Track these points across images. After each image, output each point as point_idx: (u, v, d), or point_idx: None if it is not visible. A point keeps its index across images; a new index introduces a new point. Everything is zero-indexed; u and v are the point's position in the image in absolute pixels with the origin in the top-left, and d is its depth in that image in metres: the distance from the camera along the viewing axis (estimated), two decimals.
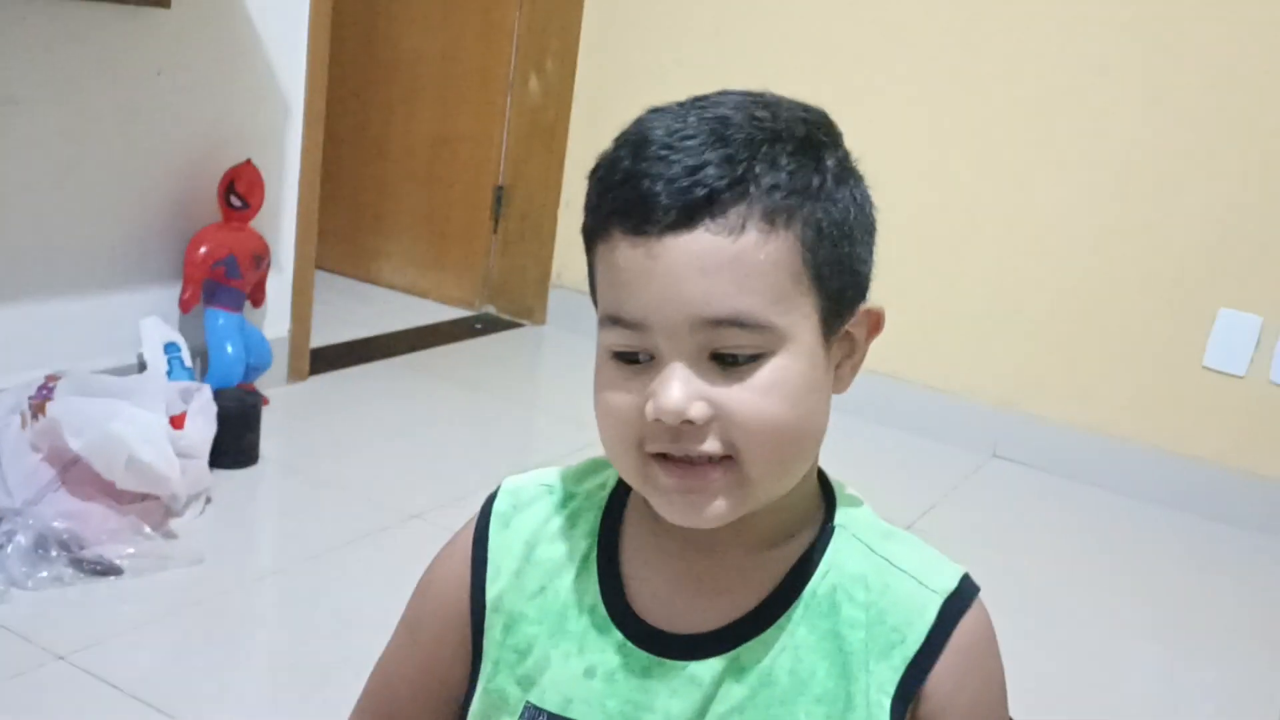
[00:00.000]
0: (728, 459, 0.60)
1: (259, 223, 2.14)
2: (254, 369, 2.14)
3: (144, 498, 1.66)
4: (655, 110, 0.62)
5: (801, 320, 0.60)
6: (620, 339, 0.61)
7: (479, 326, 3.02)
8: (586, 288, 0.66)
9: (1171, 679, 1.74)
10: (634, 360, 0.61)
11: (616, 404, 0.62)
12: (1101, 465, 2.40)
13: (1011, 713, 0.69)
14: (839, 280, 0.62)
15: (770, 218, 0.58)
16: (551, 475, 0.73)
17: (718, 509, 0.61)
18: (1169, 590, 2.02)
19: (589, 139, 2.91)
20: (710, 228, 0.58)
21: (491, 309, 3.13)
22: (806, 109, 0.63)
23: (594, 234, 0.62)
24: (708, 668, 0.64)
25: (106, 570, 1.55)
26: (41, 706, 1.32)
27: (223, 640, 1.52)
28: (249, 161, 2.08)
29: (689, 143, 0.58)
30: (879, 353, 0.66)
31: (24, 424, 1.65)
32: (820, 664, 0.64)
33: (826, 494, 0.69)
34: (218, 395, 1.88)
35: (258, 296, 2.19)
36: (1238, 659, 1.81)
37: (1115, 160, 2.34)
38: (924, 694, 0.64)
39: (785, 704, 0.64)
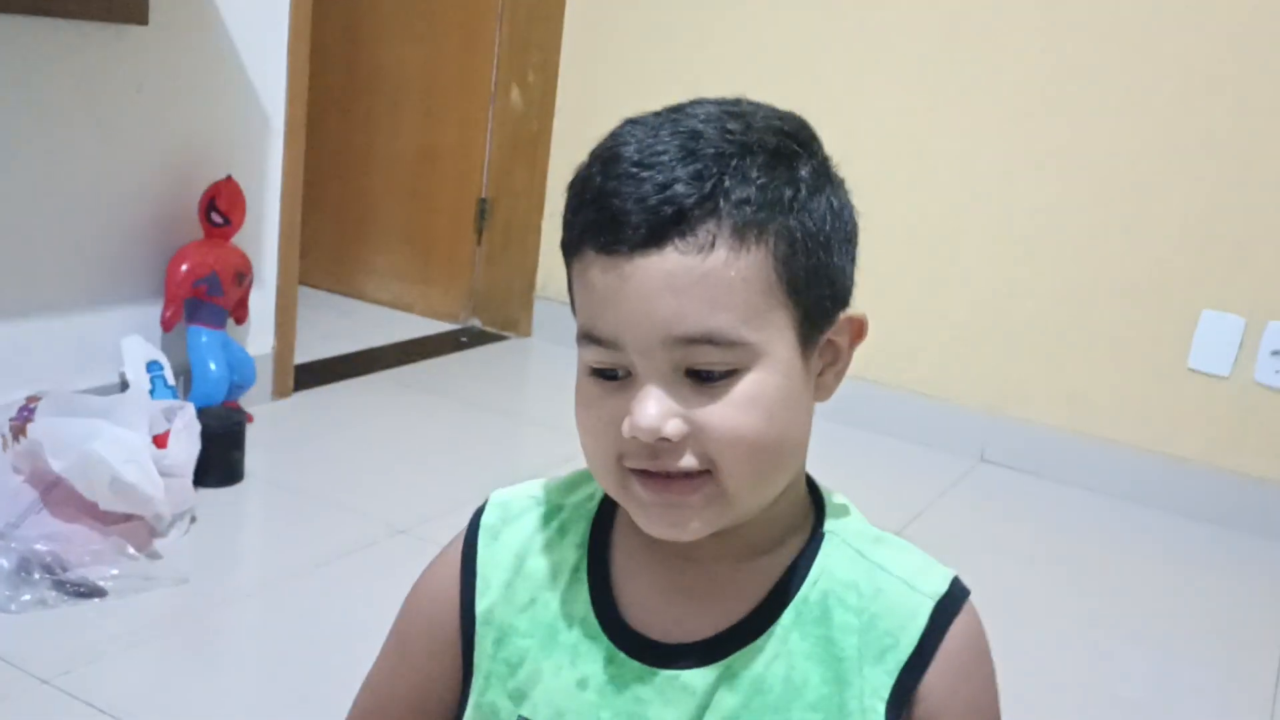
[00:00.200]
0: (706, 473, 0.60)
1: (241, 239, 2.13)
2: (238, 386, 2.13)
3: (128, 518, 1.64)
4: (630, 121, 0.62)
5: (776, 334, 0.60)
6: (596, 356, 0.61)
7: (464, 339, 3.01)
8: (568, 293, 0.66)
9: (1161, 680, 1.74)
10: (612, 376, 0.61)
11: (595, 420, 0.62)
12: (1088, 467, 2.41)
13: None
14: (816, 291, 0.61)
15: (740, 233, 0.58)
16: (540, 487, 0.73)
17: (697, 523, 0.62)
18: (1157, 591, 2.03)
19: (572, 150, 2.90)
20: (679, 246, 0.57)
21: (476, 322, 3.13)
22: (782, 116, 0.63)
23: (569, 250, 0.62)
24: (700, 676, 0.64)
25: (90, 592, 1.53)
26: None
27: (209, 660, 1.50)
28: (230, 178, 2.08)
29: (660, 158, 0.58)
30: (864, 359, 0.66)
31: (5, 446, 1.63)
32: (814, 671, 0.64)
33: (816, 501, 0.69)
34: (201, 413, 1.86)
35: (240, 313, 2.18)
36: (1228, 659, 1.81)
37: (1096, 164, 2.35)
38: (918, 698, 0.64)
39: (779, 712, 0.63)
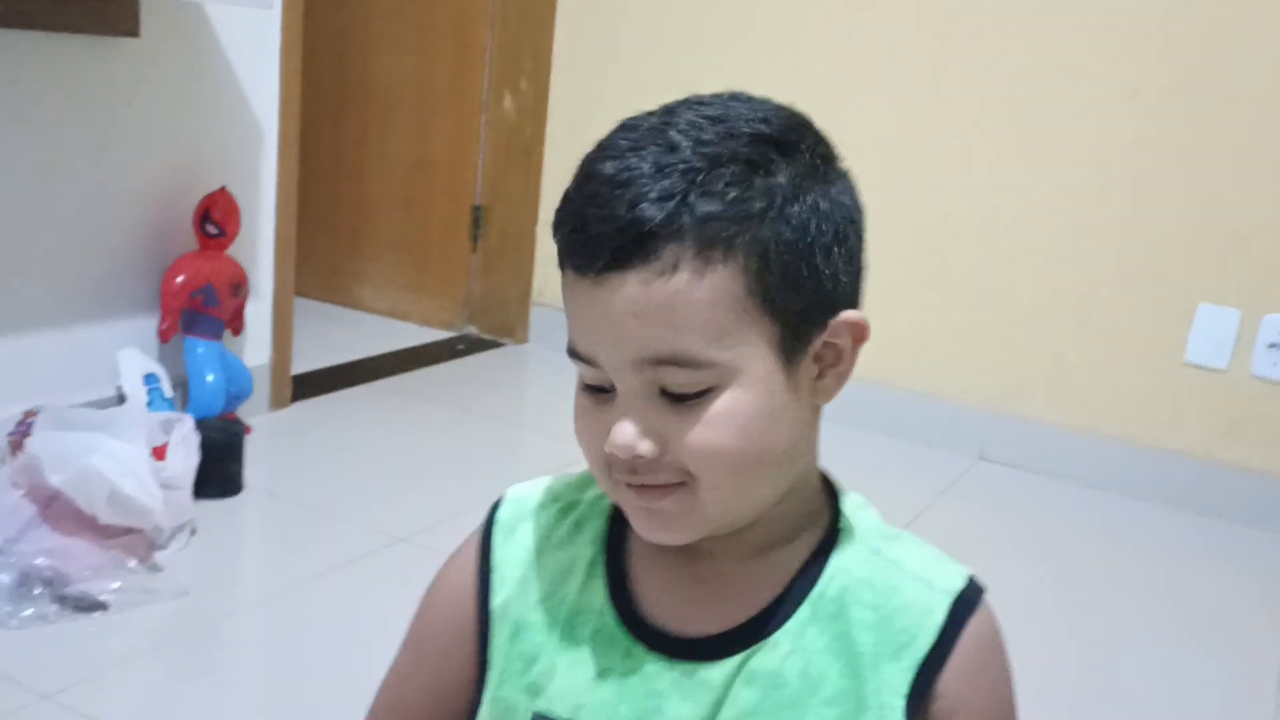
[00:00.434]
0: (684, 484, 0.62)
1: (236, 250, 2.13)
2: (235, 398, 2.12)
3: (127, 531, 1.64)
4: (622, 127, 0.62)
5: (750, 350, 0.59)
6: (582, 370, 0.63)
7: (461, 347, 3.01)
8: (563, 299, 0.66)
9: (1164, 675, 1.74)
10: (601, 389, 0.62)
11: (586, 430, 0.64)
12: (1088, 464, 2.41)
13: None
14: (797, 301, 0.60)
15: (705, 253, 0.57)
16: (556, 483, 0.73)
17: (681, 530, 0.63)
18: (1158, 586, 2.03)
19: (566, 156, 2.90)
20: (644, 269, 0.57)
21: (473, 329, 3.12)
22: (768, 117, 0.61)
23: (558, 264, 0.63)
24: (718, 670, 0.64)
25: (91, 606, 1.53)
26: None
27: (212, 672, 1.50)
28: (224, 189, 2.07)
29: (633, 173, 0.58)
30: (862, 358, 0.65)
31: (2, 460, 1.63)
32: (831, 666, 0.64)
33: (832, 498, 0.69)
34: (200, 425, 1.86)
35: (237, 324, 2.18)
36: (1233, 652, 1.81)
37: (1090, 160, 2.35)
38: (935, 694, 0.64)
39: (796, 706, 0.63)
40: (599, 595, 0.68)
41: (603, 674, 0.66)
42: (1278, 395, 2.26)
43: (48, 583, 1.52)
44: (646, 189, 0.57)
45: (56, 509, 1.58)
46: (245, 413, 2.19)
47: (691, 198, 0.57)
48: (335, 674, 1.47)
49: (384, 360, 2.82)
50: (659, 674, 0.65)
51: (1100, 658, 1.73)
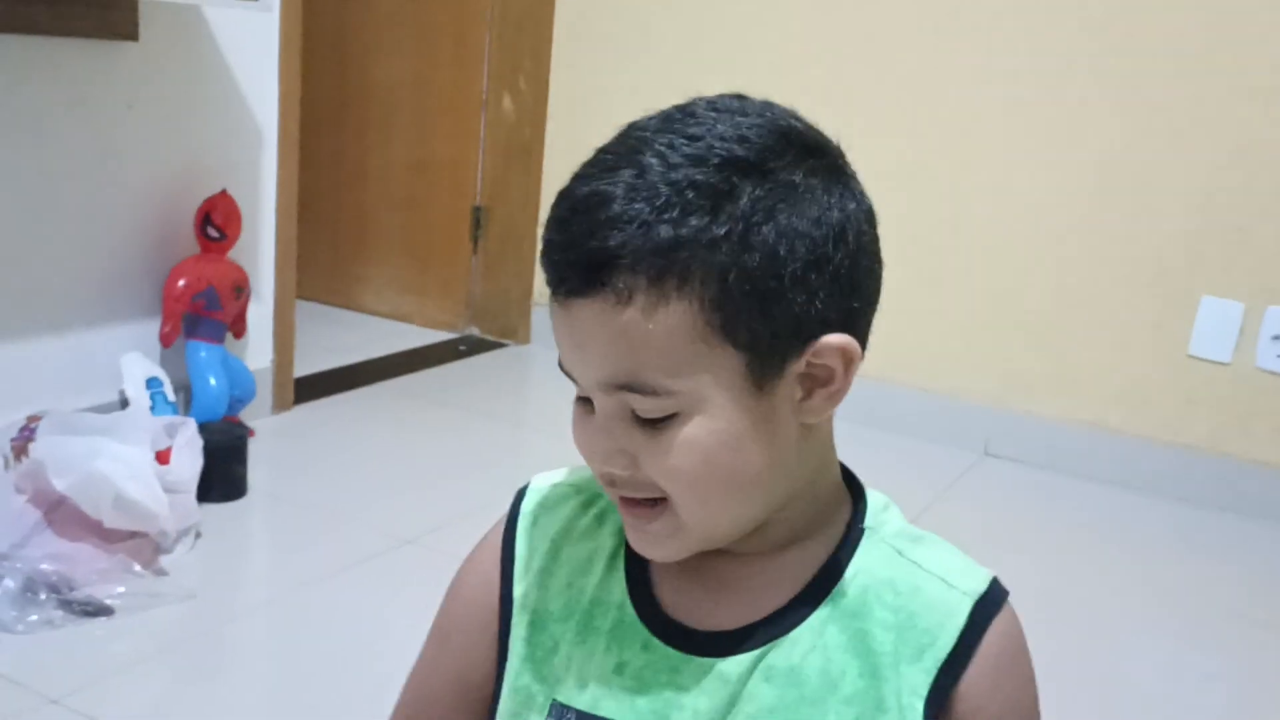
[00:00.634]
0: (665, 500, 0.62)
1: (237, 253, 2.12)
2: (238, 401, 2.12)
3: (132, 535, 1.63)
4: (614, 140, 0.61)
5: (713, 379, 0.59)
6: (572, 383, 0.64)
7: (463, 348, 3.01)
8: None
9: (1174, 667, 1.73)
10: (589, 400, 0.63)
11: (579, 439, 0.65)
12: (1093, 458, 2.41)
13: None
14: (765, 329, 0.58)
15: (660, 284, 0.57)
16: (579, 475, 0.73)
17: (666, 548, 0.65)
18: (1166, 580, 2.02)
19: (566, 156, 2.90)
20: (600, 297, 0.58)
21: (475, 330, 3.12)
22: (746, 136, 0.59)
23: None
24: (736, 664, 0.64)
25: (97, 611, 1.53)
26: None
27: (218, 675, 1.50)
28: (224, 192, 2.07)
29: (597, 199, 0.58)
30: (865, 356, 0.63)
31: (7, 466, 1.63)
32: (850, 664, 0.63)
33: (857, 497, 0.69)
34: (203, 428, 1.86)
35: (239, 327, 2.17)
36: (1240, 645, 1.81)
37: (1092, 155, 2.35)
38: (956, 697, 0.63)
39: (815, 704, 0.63)
40: (619, 588, 0.68)
41: (621, 666, 0.66)
42: None
43: (53, 587, 1.52)
44: (607, 216, 0.57)
45: (61, 514, 1.58)
46: (248, 416, 2.19)
47: (649, 226, 0.56)
48: (342, 676, 1.47)
49: (386, 362, 2.81)
50: (677, 667, 0.65)
51: (1107, 652, 1.73)
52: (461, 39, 2.99)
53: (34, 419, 1.69)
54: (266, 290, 2.28)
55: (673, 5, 2.72)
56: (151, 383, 1.97)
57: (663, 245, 0.56)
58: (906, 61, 2.48)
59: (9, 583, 1.50)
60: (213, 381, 2.04)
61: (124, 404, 1.96)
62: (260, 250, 2.25)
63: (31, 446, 1.61)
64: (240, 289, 2.11)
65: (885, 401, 2.50)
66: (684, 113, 0.61)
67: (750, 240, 0.57)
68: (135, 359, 1.99)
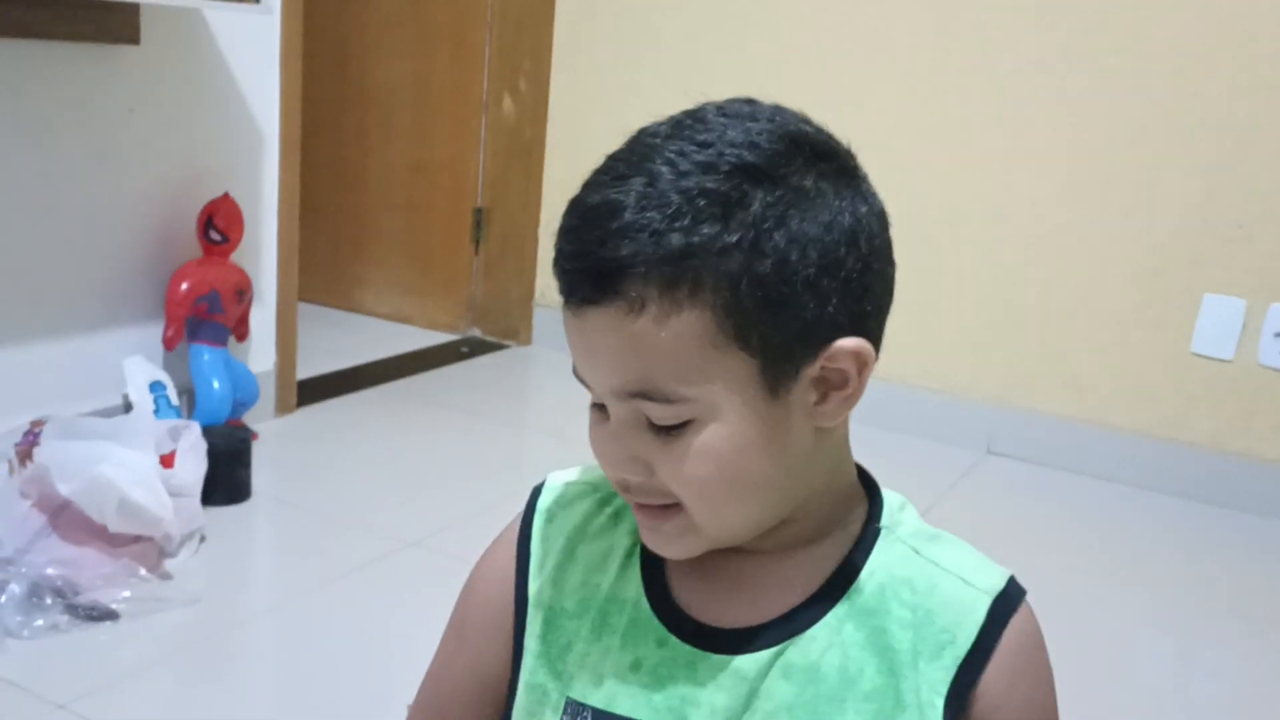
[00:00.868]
0: (678, 505, 0.63)
1: (239, 256, 2.12)
2: (241, 404, 2.12)
3: (137, 539, 1.63)
4: (623, 148, 0.61)
5: (725, 386, 0.59)
6: (586, 390, 0.64)
7: (465, 350, 3.01)
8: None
9: (1180, 665, 1.73)
10: (603, 406, 0.63)
11: (595, 445, 0.65)
12: (1096, 456, 2.41)
13: None
14: (777, 335, 0.59)
15: (672, 292, 0.57)
16: (594, 473, 0.73)
17: (680, 547, 0.65)
18: (1170, 577, 2.02)
19: (566, 157, 2.91)
20: (612, 306, 0.58)
21: (477, 332, 3.12)
22: (756, 142, 0.59)
23: None
24: (753, 661, 0.64)
25: (103, 615, 1.53)
26: None
27: (225, 680, 1.49)
28: (226, 195, 2.07)
29: (607, 208, 0.58)
30: None
31: (11, 471, 1.63)
32: (869, 661, 0.64)
33: (872, 496, 0.69)
34: (207, 432, 1.86)
35: (241, 330, 2.17)
36: (1244, 642, 1.81)
37: (1093, 151, 2.35)
38: (976, 694, 0.63)
39: (834, 701, 0.63)
40: (634, 585, 0.68)
41: (637, 663, 0.66)
42: None
43: (58, 592, 1.52)
44: (619, 225, 0.57)
45: (66, 518, 1.58)
46: (251, 419, 2.19)
47: (661, 235, 0.56)
48: (349, 679, 1.46)
49: (388, 364, 2.81)
50: (693, 664, 0.65)
51: (1111, 649, 1.73)
52: (462, 40, 2.99)
53: (38, 424, 1.69)
54: (268, 293, 2.28)
55: (673, 5, 2.72)
56: (155, 386, 1.97)
57: (675, 253, 0.57)
58: (907, 60, 2.48)
59: (14, 588, 1.50)
60: (216, 385, 2.04)
61: (127, 408, 1.96)
62: (262, 253, 2.25)
63: (36, 451, 1.61)
64: (243, 292, 2.11)
65: (887, 401, 2.49)
66: (694, 118, 0.61)
67: (762, 247, 0.57)
68: (138, 363, 1.99)
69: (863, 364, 0.62)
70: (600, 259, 0.57)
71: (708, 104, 0.63)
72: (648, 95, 2.73)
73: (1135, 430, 2.38)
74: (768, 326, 0.58)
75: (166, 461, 1.74)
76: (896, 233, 0.65)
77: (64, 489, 1.57)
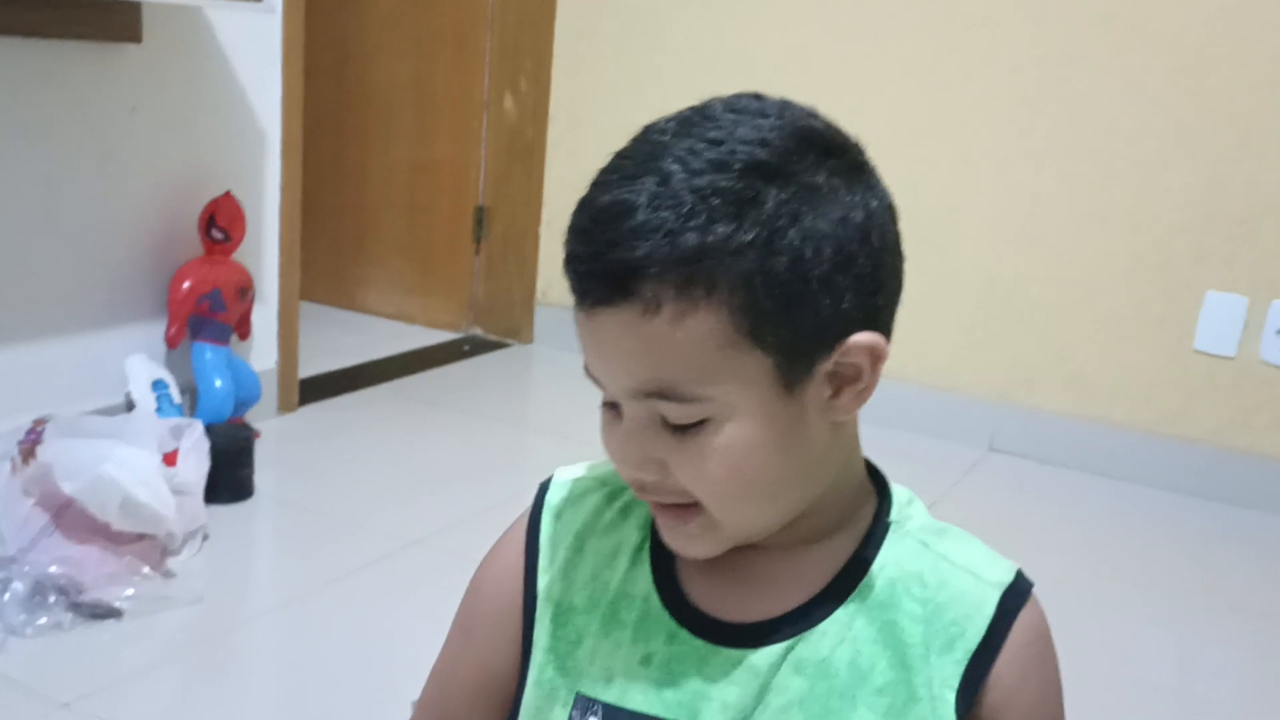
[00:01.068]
0: (697, 504, 0.62)
1: (241, 255, 2.12)
2: (243, 403, 2.12)
3: (140, 538, 1.63)
4: (630, 145, 0.61)
5: (741, 385, 0.59)
6: (598, 389, 0.63)
7: (467, 349, 3.01)
8: (571, 305, 0.65)
9: (1182, 661, 1.73)
10: (616, 405, 0.63)
11: (608, 444, 0.64)
12: (1099, 453, 2.41)
13: None
14: (793, 332, 0.58)
15: (688, 291, 0.56)
16: (603, 469, 0.73)
17: (702, 546, 0.65)
18: (1173, 574, 2.02)
19: (568, 156, 2.91)
20: (627, 307, 0.57)
21: (478, 330, 3.12)
22: (767, 139, 0.59)
23: None
24: (764, 655, 0.64)
25: (106, 614, 1.53)
26: None
27: (228, 678, 1.50)
28: (228, 194, 2.07)
29: (619, 208, 0.57)
30: None
31: (14, 470, 1.63)
32: (881, 655, 0.64)
33: (881, 492, 0.70)
34: (209, 430, 1.86)
35: (243, 329, 2.17)
36: (1248, 637, 1.80)
37: (1094, 149, 2.35)
38: (987, 687, 0.63)
39: (845, 695, 0.63)
40: (644, 580, 0.68)
41: (648, 658, 0.66)
42: None
43: (62, 591, 1.52)
44: (631, 226, 0.57)
45: (69, 517, 1.58)
46: (253, 418, 2.19)
47: (675, 235, 0.56)
48: (352, 678, 1.47)
49: (390, 363, 2.81)
50: (705, 658, 0.65)
51: (1113, 645, 1.73)
52: (462, 40, 2.99)
53: (40, 422, 1.69)
54: (270, 292, 2.28)
55: (674, 4, 2.72)
56: (157, 385, 1.97)
57: (689, 254, 0.56)
58: (910, 55, 2.48)
59: (18, 586, 1.50)
60: (218, 383, 2.04)
61: (130, 407, 1.96)
62: (264, 252, 2.25)
63: (39, 450, 1.61)
64: (245, 291, 2.12)
65: (889, 398, 2.48)
66: (701, 115, 0.61)
67: (776, 245, 0.57)
68: (141, 361, 1.99)
69: (876, 358, 0.62)
70: (614, 260, 0.57)
71: (714, 100, 0.63)
72: (649, 94, 2.73)
73: (1137, 427, 2.38)
74: (783, 324, 0.58)
75: (169, 460, 1.74)
76: (900, 229, 0.65)
77: (67, 487, 1.57)
